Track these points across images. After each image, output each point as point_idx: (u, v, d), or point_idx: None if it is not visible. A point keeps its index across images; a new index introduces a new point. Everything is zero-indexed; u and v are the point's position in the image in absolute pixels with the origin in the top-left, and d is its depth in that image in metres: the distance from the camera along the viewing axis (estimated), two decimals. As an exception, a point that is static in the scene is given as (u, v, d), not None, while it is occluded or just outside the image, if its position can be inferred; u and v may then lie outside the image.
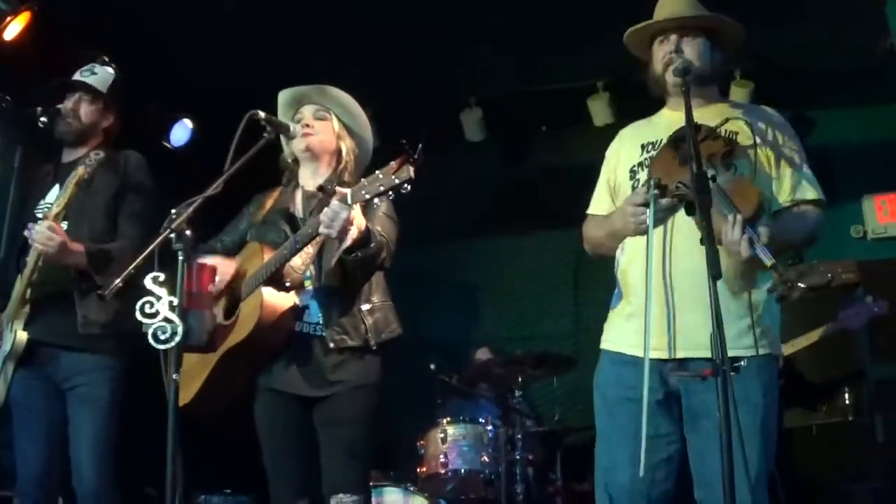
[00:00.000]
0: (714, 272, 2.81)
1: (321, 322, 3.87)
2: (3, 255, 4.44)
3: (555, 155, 7.86)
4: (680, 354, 3.25)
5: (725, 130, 3.39)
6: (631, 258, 3.47)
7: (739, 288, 3.31)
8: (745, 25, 3.53)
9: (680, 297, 3.25)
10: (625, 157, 3.63)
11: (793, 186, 3.45)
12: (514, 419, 5.96)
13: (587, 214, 3.78)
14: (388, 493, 5.54)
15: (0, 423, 4.31)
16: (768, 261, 2.98)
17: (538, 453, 6.11)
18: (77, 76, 4.63)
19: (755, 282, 3.36)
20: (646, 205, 3.19)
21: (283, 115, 4.11)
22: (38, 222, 4.16)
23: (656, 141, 3.52)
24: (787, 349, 5.34)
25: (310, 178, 4.09)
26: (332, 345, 3.82)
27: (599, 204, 3.72)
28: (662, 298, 3.28)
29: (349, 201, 3.40)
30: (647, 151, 3.53)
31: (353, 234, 3.56)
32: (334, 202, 3.45)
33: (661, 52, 3.54)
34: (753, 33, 3.62)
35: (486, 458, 5.83)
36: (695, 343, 3.19)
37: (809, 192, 3.46)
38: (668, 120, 3.60)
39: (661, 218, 3.25)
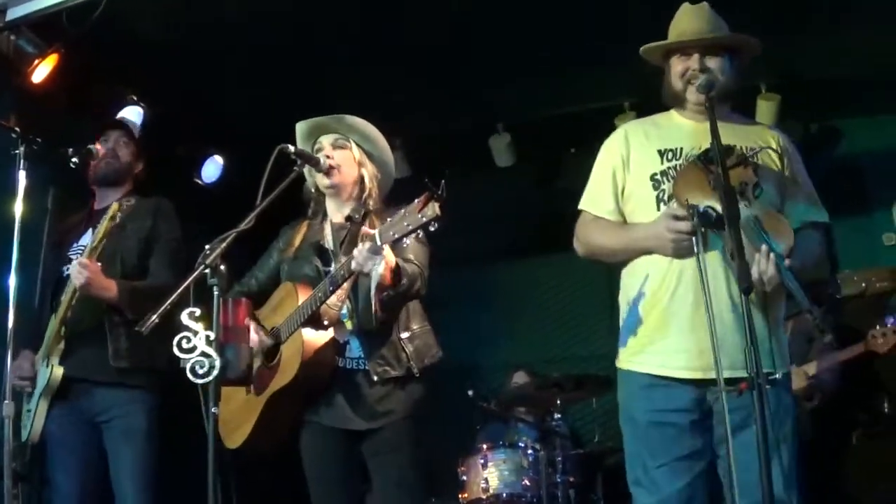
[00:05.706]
0: (744, 286, 2.81)
1: (363, 356, 3.89)
2: (38, 299, 4.49)
3: (585, 176, 7.80)
4: (724, 374, 3.11)
5: (756, 156, 3.39)
6: (661, 281, 3.41)
7: (761, 314, 3.30)
8: (769, 36, 3.52)
9: (717, 318, 3.16)
10: (637, 159, 3.58)
11: (806, 208, 3.49)
12: (553, 442, 5.93)
13: (580, 210, 3.72)
14: (431, 520, 5.50)
15: (40, 461, 4.34)
16: (806, 304, 3.00)
17: (579, 475, 6.06)
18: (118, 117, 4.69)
19: (774, 307, 3.38)
20: (692, 232, 3.19)
21: (301, 146, 4.11)
22: (76, 260, 4.22)
23: (675, 149, 3.50)
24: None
25: (336, 209, 4.12)
26: (375, 378, 3.84)
27: (601, 203, 3.65)
28: (702, 320, 3.20)
29: (378, 242, 3.39)
30: (668, 160, 3.50)
31: (386, 275, 3.57)
32: (364, 245, 3.45)
33: (680, 66, 3.53)
34: (777, 45, 3.62)
35: (527, 482, 5.80)
36: (732, 362, 3.16)
37: (821, 214, 3.54)
38: (684, 128, 3.58)
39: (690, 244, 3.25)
